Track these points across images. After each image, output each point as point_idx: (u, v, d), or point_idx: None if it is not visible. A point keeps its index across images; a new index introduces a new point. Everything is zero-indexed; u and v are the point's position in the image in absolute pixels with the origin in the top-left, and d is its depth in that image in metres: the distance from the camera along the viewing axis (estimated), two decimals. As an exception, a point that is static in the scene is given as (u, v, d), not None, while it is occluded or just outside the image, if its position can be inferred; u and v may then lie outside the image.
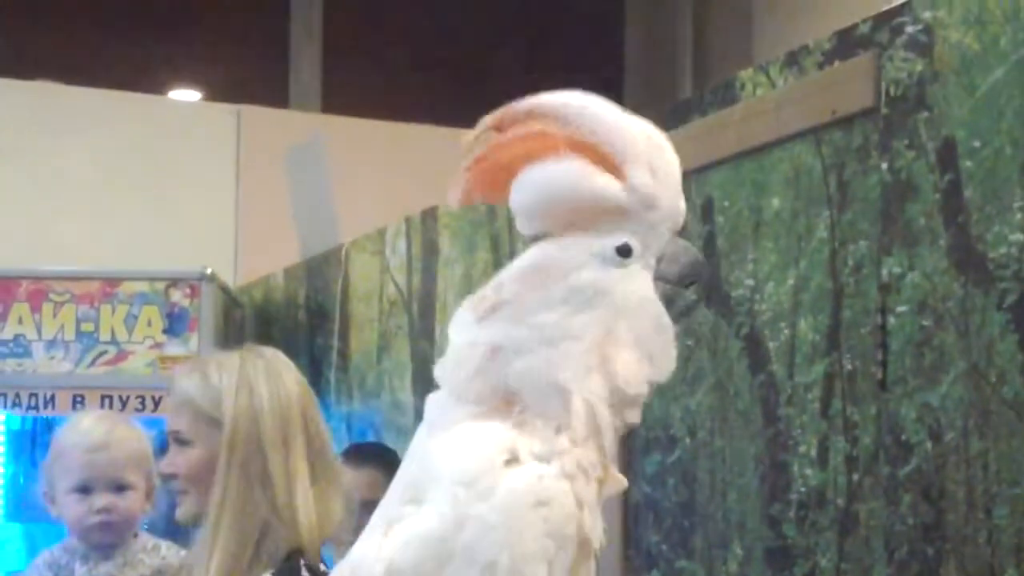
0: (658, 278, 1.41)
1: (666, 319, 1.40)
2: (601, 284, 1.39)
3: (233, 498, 2.22)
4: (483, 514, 1.33)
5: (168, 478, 2.38)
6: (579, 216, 1.41)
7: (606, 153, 1.39)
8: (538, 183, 1.41)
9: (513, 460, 1.35)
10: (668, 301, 1.41)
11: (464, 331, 1.45)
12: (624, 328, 1.39)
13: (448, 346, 1.45)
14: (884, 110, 2.30)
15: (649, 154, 1.41)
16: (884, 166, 2.29)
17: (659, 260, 1.42)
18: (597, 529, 1.40)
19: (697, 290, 1.43)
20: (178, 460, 2.36)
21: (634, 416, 1.41)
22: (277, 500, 2.19)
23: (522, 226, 1.45)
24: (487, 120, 1.45)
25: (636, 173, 1.39)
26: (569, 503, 1.35)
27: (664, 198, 1.41)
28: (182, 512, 2.37)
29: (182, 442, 2.35)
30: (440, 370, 1.46)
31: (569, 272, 1.40)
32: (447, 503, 1.34)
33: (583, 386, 1.38)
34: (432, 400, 1.46)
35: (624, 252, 1.40)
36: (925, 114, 2.23)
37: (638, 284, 1.40)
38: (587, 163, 1.39)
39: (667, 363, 1.40)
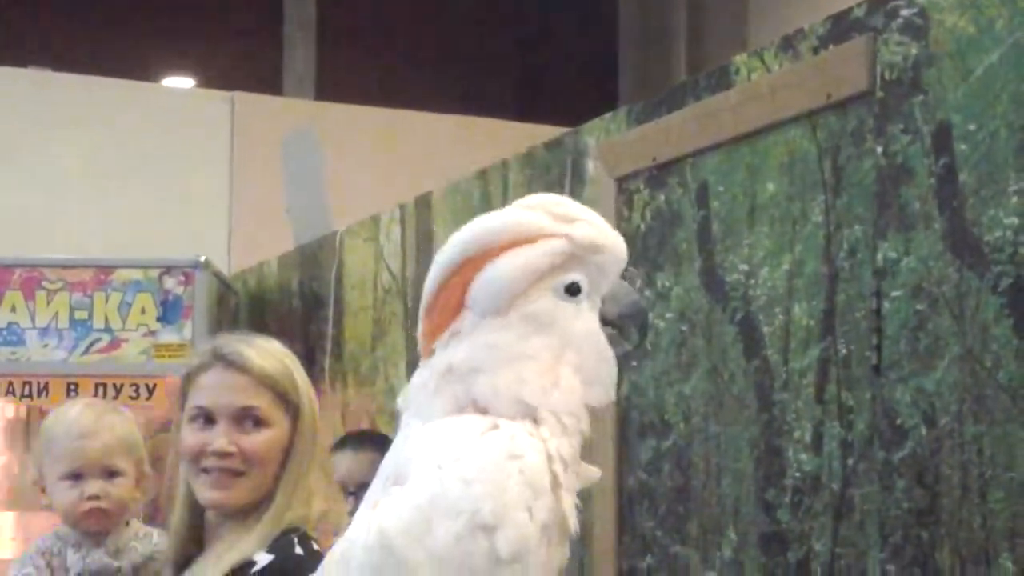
0: (601, 317, 1.56)
1: (608, 351, 1.56)
2: (552, 315, 1.53)
3: (300, 484, 2.24)
4: (463, 472, 1.43)
5: (222, 456, 2.31)
6: (538, 279, 1.53)
7: (534, 235, 1.53)
8: (495, 275, 1.52)
9: (492, 429, 1.48)
10: (611, 342, 1.56)
11: (421, 369, 1.58)
12: (571, 357, 1.53)
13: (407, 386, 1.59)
14: (879, 94, 2.29)
15: (579, 213, 1.55)
16: (879, 150, 2.29)
17: (603, 300, 1.57)
18: (573, 514, 1.51)
19: (635, 337, 1.59)
20: (247, 440, 2.30)
21: (582, 428, 1.54)
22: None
23: (481, 311, 1.54)
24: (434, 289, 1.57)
25: (574, 228, 1.53)
26: (541, 458, 1.46)
27: (607, 241, 1.55)
28: (229, 496, 2.29)
29: (258, 422, 2.30)
30: (402, 401, 1.59)
31: (524, 302, 1.53)
32: (430, 472, 1.45)
33: (546, 400, 1.51)
34: (403, 419, 1.59)
35: (573, 291, 1.54)
36: (920, 98, 2.22)
37: (584, 319, 1.54)
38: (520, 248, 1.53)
39: (606, 391, 1.56)
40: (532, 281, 1.53)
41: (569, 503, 1.50)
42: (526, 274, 1.52)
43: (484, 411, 1.51)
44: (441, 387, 1.53)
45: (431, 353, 1.57)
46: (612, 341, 1.56)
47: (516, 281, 1.53)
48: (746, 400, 2.56)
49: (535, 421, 1.50)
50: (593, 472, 1.58)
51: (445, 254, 1.55)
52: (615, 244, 1.56)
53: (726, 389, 2.62)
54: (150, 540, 2.82)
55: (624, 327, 1.58)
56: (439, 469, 1.44)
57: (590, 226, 1.55)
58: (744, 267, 2.58)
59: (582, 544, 3.00)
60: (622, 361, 1.58)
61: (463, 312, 1.54)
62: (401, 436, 1.56)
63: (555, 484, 1.47)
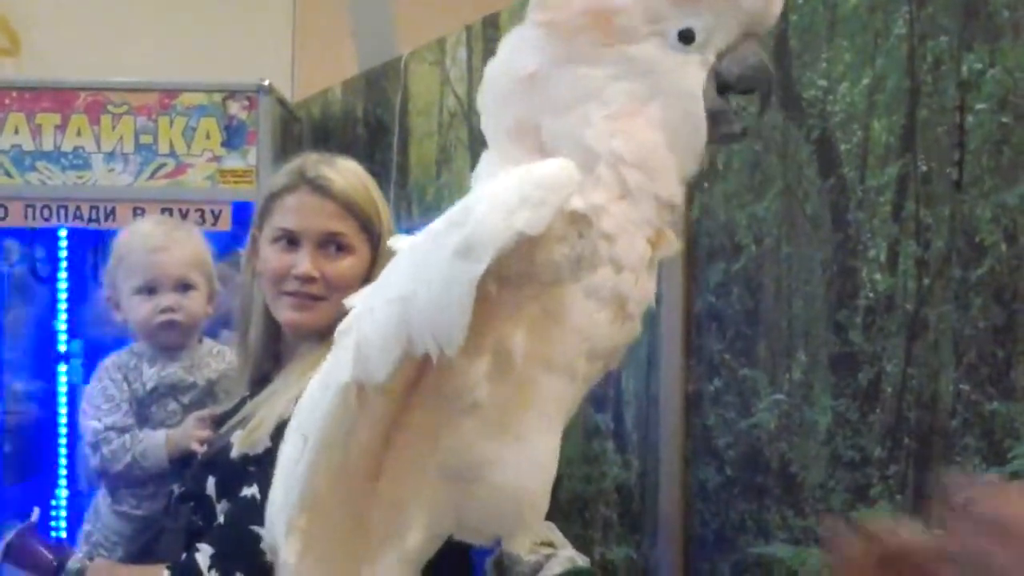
0: (717, 73, 1.36)
1: (701, 119, 1.37)
2: (650, 64, 1.36)
3: None
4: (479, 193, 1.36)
5: (306, 280, 2.31)
6: None
7: None
8: None
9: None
10: (715, 117, 1.37)
11: (517, 42, 1.45)
12: (655, 112, 1.36)
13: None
14: (971, -103, 2.20)
15: None
16: (968, -44, 2.20)
17: (722, 56, 1.37)
18: (643, 290, 1.38)
19: (747, 116, 1.39)
20: (330, 266, 2.30)
21: (667, 191, 1.39)
22: None
23: None
24: None
25: None
26: (555, 176, 1.33)
27: None
28: (309, 318, 2.30)
29: (341, 247, 2.30)
30: (482, 98, 1.46)
31: (628, 38, 1.36)
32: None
33: (610, 146, 1.36)
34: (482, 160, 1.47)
35: (685, 38, 1.36)
36: (1014, -99, 2.12)
37: (687, 74, 1.36)
38: None
39: (689, 161, 1.38)
40: None
41: (629, 283, 1.38)
42: None
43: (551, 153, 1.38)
44: (516, 97, 1.40)
45: None
46: (717, 116, 1.38)
47: None
48: (820, 220, 2.51)
49: (594, 166, 1.36)
50: (674, 244, 1.42)
51: None
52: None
53: (800, 209, 2.57)
54: (223, 357, 2.86)
55: (740, 92, 1.39)
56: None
57: None
58: (822, 83, 2.51)
59: (649, 366, 3.00)
60: (727, 142, 1.41)
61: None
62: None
63: (616, 265, 1.36)
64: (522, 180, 1.32)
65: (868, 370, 2.40)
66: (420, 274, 1.35)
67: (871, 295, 2.39)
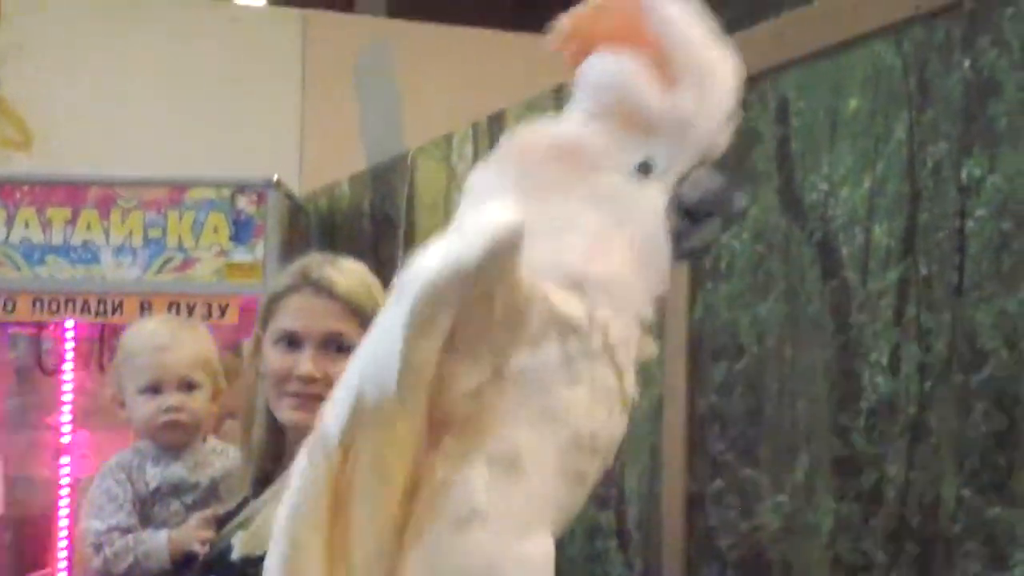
0: (678, 198, 1.44)
1: (664, 241, 1.44)
2: (615, 193, 1.43)
3: None
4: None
5: (308, 381, 2.32)
6: (620, 112, 1.44)
7: (668, 63, 1.42)
8: (599, 69, 1.44)
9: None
10: (677, 235, 1.44)
11: (485, 176, 1.49)
12: (625, 237, 1.43)
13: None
14: (969, 6, 2.22)
15: (704, 79, 1.43)
16: (967, 64, 2.22)
17: (680, 182, 1.42)
18: (633, 388, 1.45)
19: (710, 232, 1.46)
20: (331, 366, 2.30)
21: (644, 312, 1.46)
22: None
23: (575, 100, 1.48)
24: None
25: (683, 92, 1.41)
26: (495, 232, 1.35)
27: (703, 124, 1.43)
28: (311, 418, 2.30)
29: (343, 348, 2.31)
30: (463, 207, 1.49)
31: (591, 171, 1.44)
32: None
33: (589, 268, 1.42)
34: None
35: (644, 168, 1.43)
36: (1011, 10, 2.15)
37: (649, 201, 1.43)
38: (647, 67, 1.42)
39: (658, 282, 1.45)
40: (614, 102, 1.43)
41: (629, 381, 1.44)
42: (615, 93, 1.43)
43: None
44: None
45: (557, 48, 1.48)
46: (678, 234, 1.44)
47: (603, 90, 1.44)
48: (822, 322, 2.52)
49: (581, 291, 1.41)
50: (651, 349, 1.49)
51: None
52: (710, 129, 1.43)
53: (802, 311, 2.58)
54: (227, 455, 2.85)
55: (701, 216, 1.44)
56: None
57: (700, 104, 1.42)
58: (824, 186, 2.53)
59: (652, 465, 2.99)
60: (689, 257, 1.48)
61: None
62: None
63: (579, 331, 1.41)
64: (461, 224, 1.39)
65: (870, 473, 2.39)
66: (374, 329, 1.42)
67: (873, 398, 2.39)
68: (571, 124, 1.47)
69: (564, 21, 1.49)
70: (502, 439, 1.40)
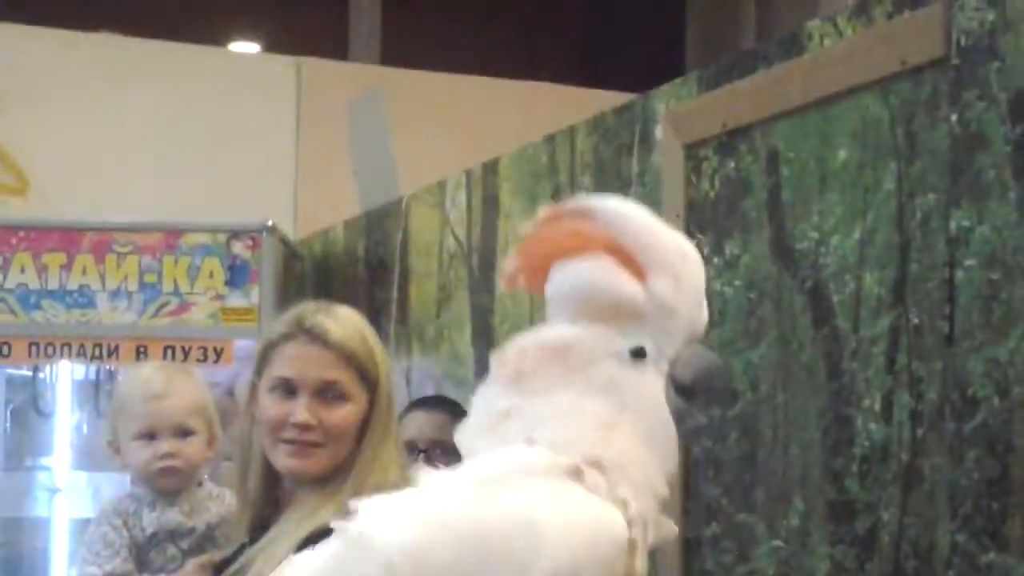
0: (673, 378, 1.48)
1: (669, 423, 1.47)
2: (613, 380, 1.47)
3: (378, 455, 2.28)
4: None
5: (303, 429, 2.34)
6: (601, 311, 1.48)
7: (635, 257, 1.47)
8: (566, 277, 1.49)
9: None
10: (679, 416, 1.48)
11: (486, 393, 1.53)
12: (630, 421, 1.46)
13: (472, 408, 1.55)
14: (955, 60, 2.26)
15: (674, 264, 1.48)
16: (954, 117, 2.26)
17: (673, 364, 1.45)
18: (642, 569, 1.46)
19: (707, 411, 1.52)
20: (326, 414, 2.34)
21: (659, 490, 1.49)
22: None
23: (552, 314, 1.52)
24: (543, 214, 1.54)
25: (658, 281, 1.46)
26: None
27: (683, 307, 1.47)
28: (307, 465, 2.34)
29: (338, 395, 2.34)
30: (460, 436, 1.54)
31: (587, 365, 1.48)
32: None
33: (607, 450, 1.45)
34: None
35: (637, 354, 1.47)
36: (997, 64, 2.19)
37: (648, 385, 1.47)
38: (614, 265, 1.47)
39: (665, 461, 1.48)
40: (592, 304, 1.47)
41: (642, 559, 1.45)
42: (591, 295, 1.47)
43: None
44: (491, 429, 1.49)
45: (510, 287, 1.53)
46: (681, 415, 1.49)
47: (579, 295, 1.48)
48: (815, 369, 2.55)
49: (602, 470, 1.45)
50: (670, 529, 1.52)
51: (586, 201, 1.50)
52: (692, 310, 1.48)
53: (794, 358, 2.61)
54: (223, 500, 2.86)
55: (698, 393, 1.49)
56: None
57: (676, 288, 1.47)
58: (814, 235, 2.56)
59: (647, 510, 3.00)
60: (693, 433, 1.52)
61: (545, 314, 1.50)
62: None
63: (632, 547, 1.42)
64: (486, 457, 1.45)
65: (865, 518, 2.41)
66: None
67: (866, 444, 2.42)
68: (556, 329, 1.51)
69: (511, 254, 1.54)
70: None
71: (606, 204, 1.50)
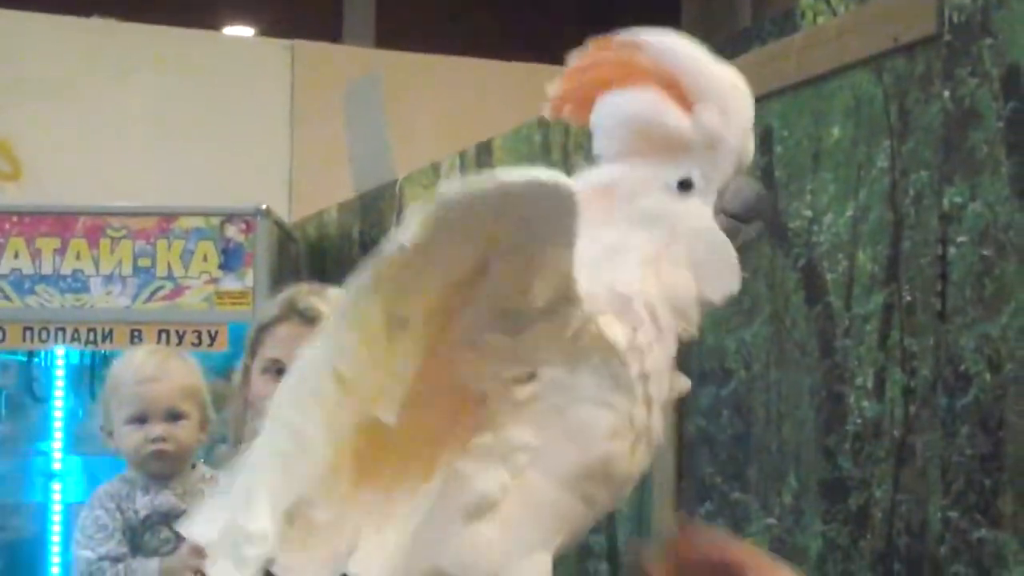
0: (720, 211, 1.45)
1: (724, 243, 1.43)
2: (661, 211, 1.43)
3: None
4: None
5: None
6: (648, 144, 1.45)
7: (683, 89, 1.43)
8: (613, 108, 1.45)
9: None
10: (730, 236, 1.44)
11: None
12: (679, 250, 1.43)
13: None
14: (947, 37, 2.26)
15: (723, 95, 1.43)
16: (946, 94, 2.26)
17: (721, 194, 1.45)
18: (659, 426, 1.43)
19: (758, 227, 1.46)
20: None
21: (690, 329, 1.44)
22: None
23: (598, 147, 1.49)
24: (591, 45, 1.49)
25: (705, 111, 1.41)
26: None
27: (730, 138, 1.43)
28: None
29: None
30: None
31: (633, 197, 1.45)
32: None
33: (641, 290, 1.41)
34: None
35: (685, 186, 1.44)
36: (989, 41, 2.18)
37: (696, 214, 1.44)
38: (663, 95, 1.43)
39: (722, 286, 1.43)
40: (639, 136, 1.44)
41: (657, 415, 1.42)
42: (638, 125, 1.43)
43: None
44: None
45: (555, 116, 1.49)
46: (731, 232, 1.45)
47: (626, 126, 1.44)
48: (808, 347, 2.55)
49: (629, 311, 1.40)
50: (684, 382, 1.48)
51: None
52: (739, 141, 1.44)
53: (788, 336, 2.61)
54: (216, 483, 2.86)
55: (746, 222, 1.46)
56: None
57: (723, 119, 1.42)
58: (808, 213, 2.56)
59: (641, 489, 3.01)
60: (744, 250, 1.46)
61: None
62: None
63: (647, 401, 1.39)
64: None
65: (858, 495, 2.41)
66: None
67: (859, 421, 2.42)
68: (601, 169, 1.48)
69: (557, 82, 1.50)
70: (522, 442, 1.41)
71: (655, 35, 1.46)
